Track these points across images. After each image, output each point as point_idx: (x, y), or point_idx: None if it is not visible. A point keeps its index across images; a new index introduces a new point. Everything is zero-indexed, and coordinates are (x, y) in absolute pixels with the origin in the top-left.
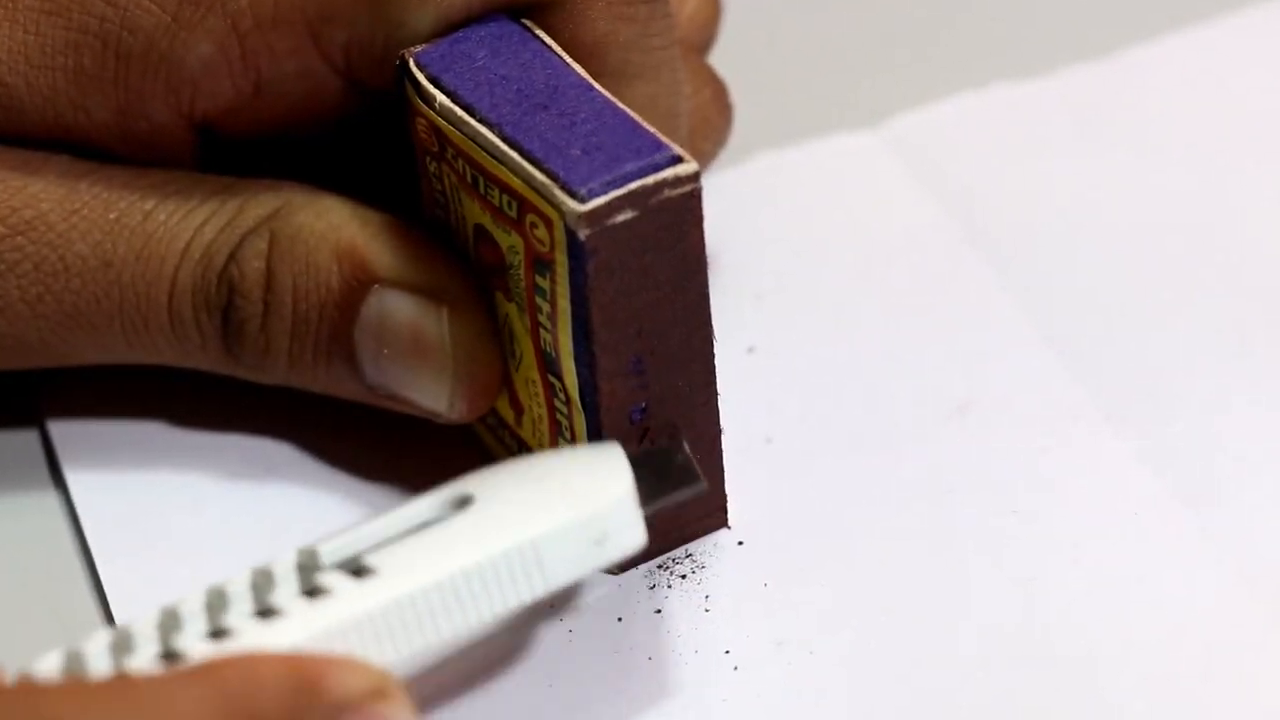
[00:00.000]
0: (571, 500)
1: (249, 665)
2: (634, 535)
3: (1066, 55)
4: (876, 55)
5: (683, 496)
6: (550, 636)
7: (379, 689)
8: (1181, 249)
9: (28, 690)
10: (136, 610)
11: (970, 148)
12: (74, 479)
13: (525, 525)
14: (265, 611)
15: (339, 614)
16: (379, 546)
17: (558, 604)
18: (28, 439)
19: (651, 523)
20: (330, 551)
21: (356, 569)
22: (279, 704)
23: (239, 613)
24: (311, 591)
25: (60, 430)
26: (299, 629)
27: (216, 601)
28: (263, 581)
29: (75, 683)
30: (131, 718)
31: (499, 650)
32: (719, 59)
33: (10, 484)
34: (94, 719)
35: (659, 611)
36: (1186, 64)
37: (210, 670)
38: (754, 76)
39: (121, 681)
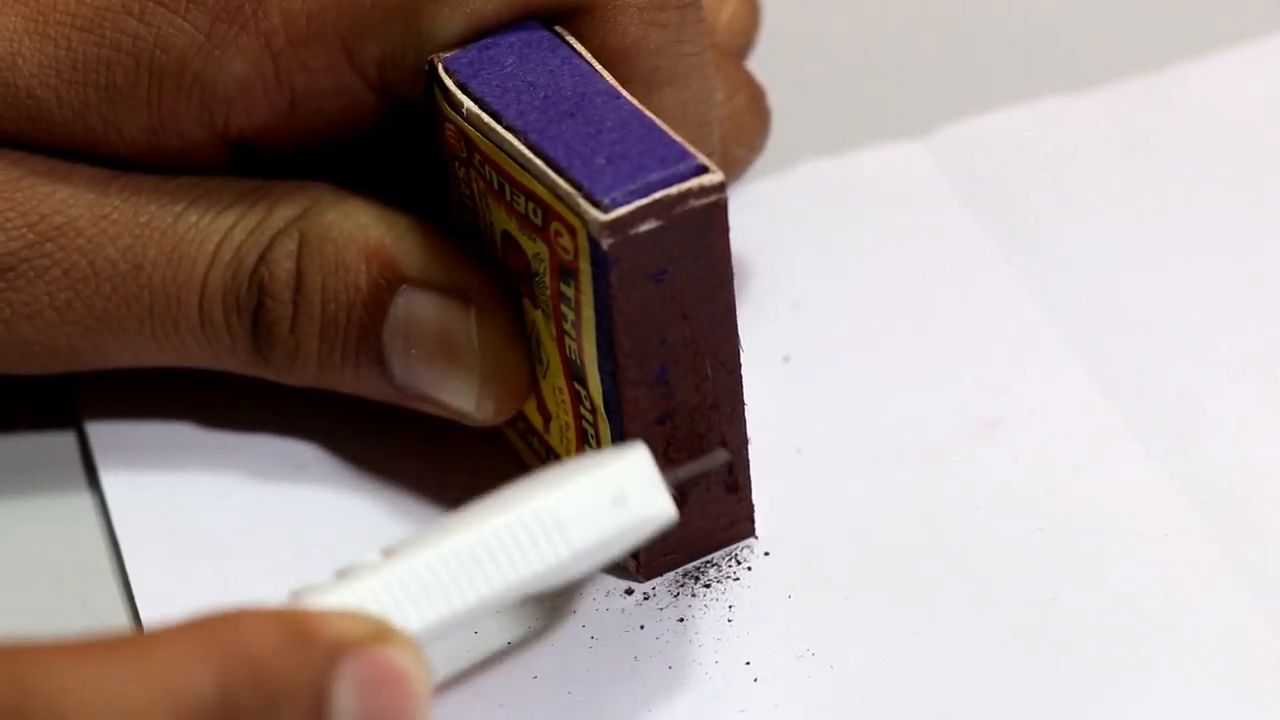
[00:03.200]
0: (587, 465)
1: (237, 617)
2: (656, 497)
3: (1116, 70)
4: (925, 64)
5: (704, 466)
6: (572, 643)
7: (377, 634)
8: (1222, 269)
9: (8, 650)
10: (163, 610)
11: (1015, 161)
12: (108, 479)
13: (540, 490)
14: (294, 595)
15: (358, 587)
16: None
17: (580, 609)
18: (65, 440)
19: (676, 495)
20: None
21: (386, 551)
22: (270, 649)
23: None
24: (341, 573)
25: (97, 431)
26: (332, 602)
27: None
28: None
29: (56, 641)
30: (117, 671)
31: (519, 656)
32: (761, 64)
33: (47, 483)
34: (79, 675)
35: (682, 620)
36: (1236, 82)
37: (197, 623)
38: (797, 83)
39: (105, 638)
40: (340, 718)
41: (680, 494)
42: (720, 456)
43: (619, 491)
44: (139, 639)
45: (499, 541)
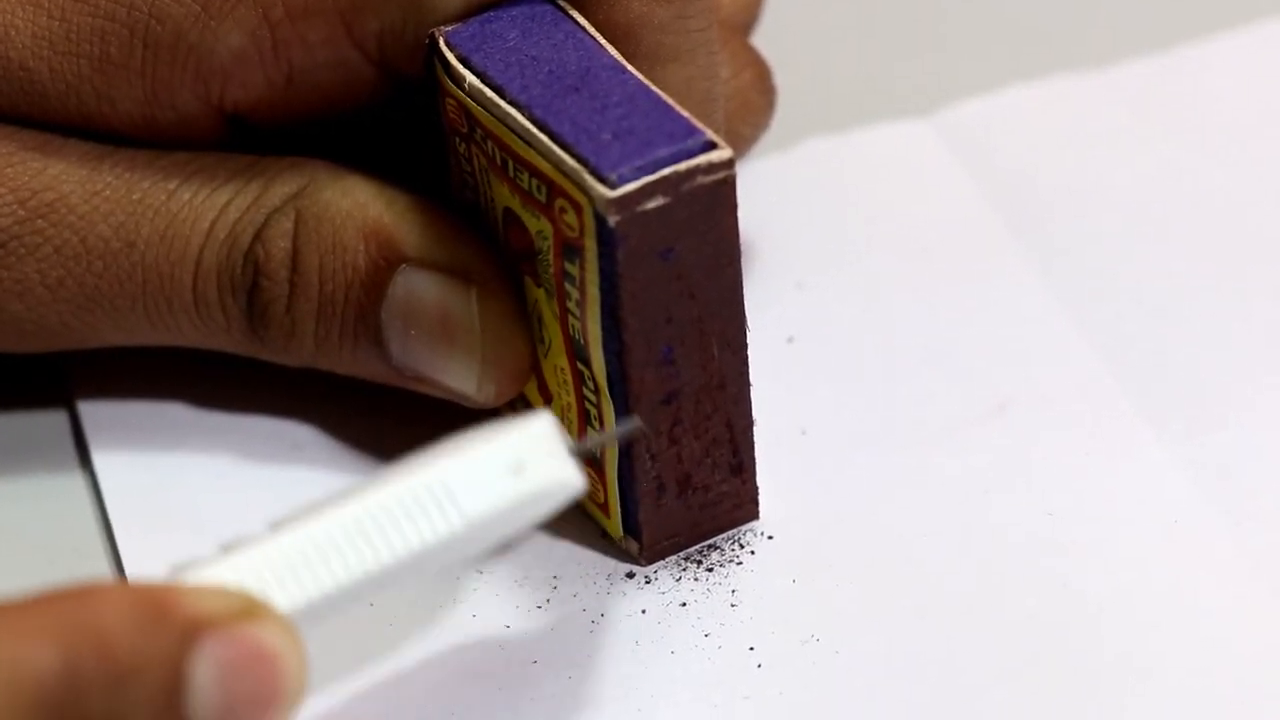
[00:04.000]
0: (485, 435)
1: (89, 592)
2: (559, 467)
3: (1125, 49)
4: (932, 42)
5: (614, 435)
6: (572, 627)
7: (244, 610)
8: (1233, 251)
9: None
10: None
11: (1023, 140)
12: (100, 458)
13: (435, 460)
14: (173, 569)
15: (237, 561)
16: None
17: (581, 592)
18: (57, 419)
19: (583, 459)
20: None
21: (273, 524)
22: (120, 625)
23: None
24: (226, 547)
25: (90, 410)
26: (206, 576)
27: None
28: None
29: None
30: None
31: (519, 639)
32: (766, 41)
33: (38, 462)
34: None
35: (684, 605)
36: (1246, 60)
37: (46, 597)
38: (803, 60)
39: None
40: (198, 698)
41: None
42: (630, 425)
43: (517, 460)
44: None
45: (387, 512)
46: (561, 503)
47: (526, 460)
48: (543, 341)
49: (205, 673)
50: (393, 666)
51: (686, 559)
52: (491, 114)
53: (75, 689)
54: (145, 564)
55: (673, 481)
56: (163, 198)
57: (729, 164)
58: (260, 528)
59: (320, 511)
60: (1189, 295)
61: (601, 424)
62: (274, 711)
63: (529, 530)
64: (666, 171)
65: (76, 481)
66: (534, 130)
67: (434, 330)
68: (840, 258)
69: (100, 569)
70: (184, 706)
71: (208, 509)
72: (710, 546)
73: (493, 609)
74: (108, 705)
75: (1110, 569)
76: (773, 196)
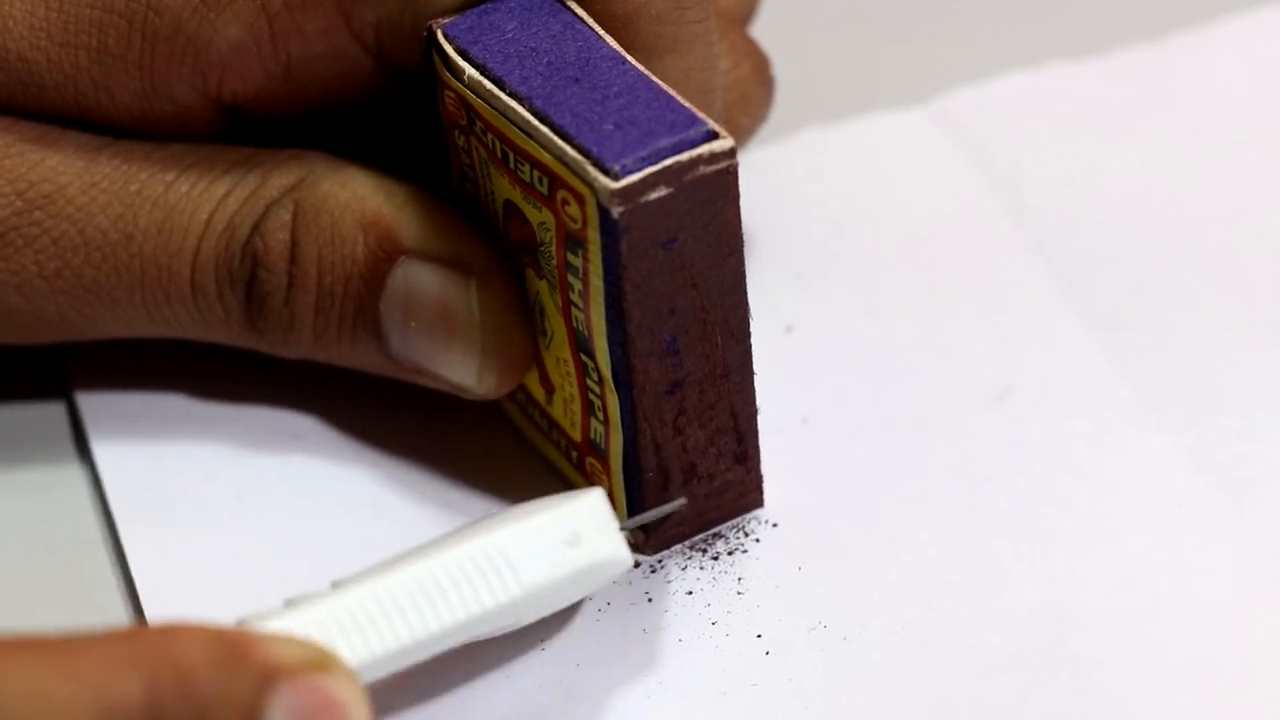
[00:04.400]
0: (543, 506)
1: (174, 629)
2: (610, 541)
3: (1123, 36)
4: (929, 30)
5: (663, 511)
6: (580, 615)
7: (316, 661)
8: (1233, 238)
9: None
10: (159, 580)
11: (1021, 129)
12: (100, 449)
13: (495, 527)
14: (241, 620)
15: (304, 615)
16: (364, 570)
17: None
18: (55, 410)
19: (634, 540)
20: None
21: (335, 583)
22: (203, 663)
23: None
24: (290, 602)
25: (87, 401)
26: (273, 629)
27: None
28: None
29: None
30: (47, 668)
31: (527, 627)
32: (765, 32)
33: (37, 453)
34: (6, 667)
35: (691, 593)
36: (1245, 48)
37: (132, 631)
38: (800, 50)
39: (37, 636)
40: None
41: (642, 536)
42: (680, 502)
43: (573, 533)
44: (72, 640)
45: (448, 576)
46: (612, 578)
47: (581, 533)
48: (545, 333)
49: (279, 716)
50: None
51: (692, 547)
52: (491, 106)
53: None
54: (149, 554)
55: (678, 471)
56: (161, 189)
57: (731, 153)
58: (324, 585)
59: (384, 571)
60: (1190, 282)
61: (606, 415)
62: None
63: (575, 602)
64: (669, 162)
65: (75, 473)
66: (535, 122)
67: (433, 322)
68: (839, 247)
69: (98, 560)
70: None
71: (208, 499)
72: (716, 535)
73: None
74: None
75: (1112, 556)
76: (771, 187)
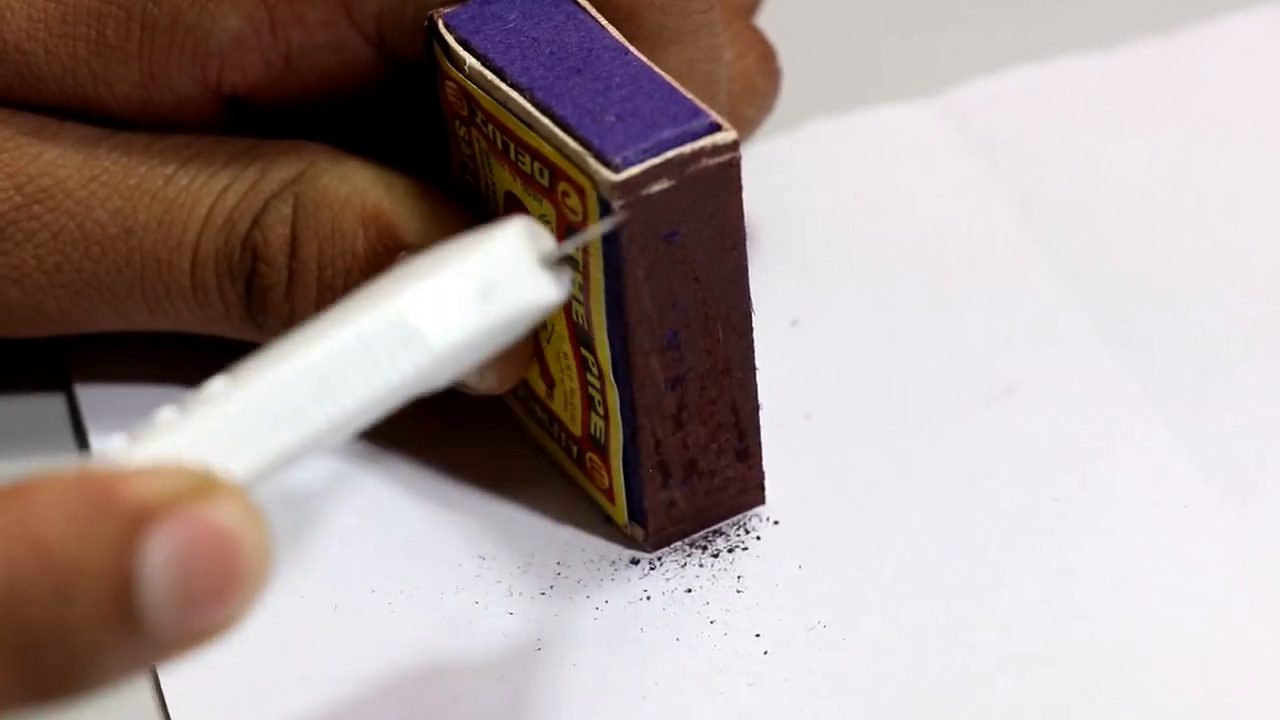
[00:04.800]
0: (447, 256)
1: (23, 490)
2: (531, 283)
3: (1133, 31)
4: (938, 22)
5: (589, 235)
6: (576, 613)
7: (193, 488)
8: (1242, 234)
9: None
10: None
11: (1031, 123)
12: (99, 443)
13: (395, 290)
14: (135, 435)
15: (192, 424)
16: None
17: (585, 579)
18: (55, 402)
19: (560, 267)
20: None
21: (227, 381)
22: (61, 524)
23: (115, 444)
24: (179, 408)
25: (87, 394)
26: (158, 447)
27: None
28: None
29: None
30: None
31: (523, 626)
32: (771, 22)
33: (36, 446)
34: None
35: (689, 591)
36: (1254, 43)
37: None
38: (807, 41)
39: None
40: (150, 595)
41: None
42: (605, 224)
43: (484, 283)
44: None
45: (347, 357)
46: (538, 319)
47: (495, 280)
48: (545, 327)
49: (156, 565)
50: (393, 653)
51: (692, 545)
52: (492, 97)
53: (14, 602)
54: None
55: (678, 467)
56: (160, 183)
57: (734, 146)
58: (213, 384)
59: (275, 362)
60: (1197, 278)
61: (606, 409)
62: (238, 597)
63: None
64: (671, 154)
65: (72, 463)
66: (536, 113)
67: None
68: (845, 241)
69: None
70: (135, 606)
71: None
72: (715, 532)
73: (495, 595)
74: (52, 615)
75: (1116, 554)
76: (777, 179)
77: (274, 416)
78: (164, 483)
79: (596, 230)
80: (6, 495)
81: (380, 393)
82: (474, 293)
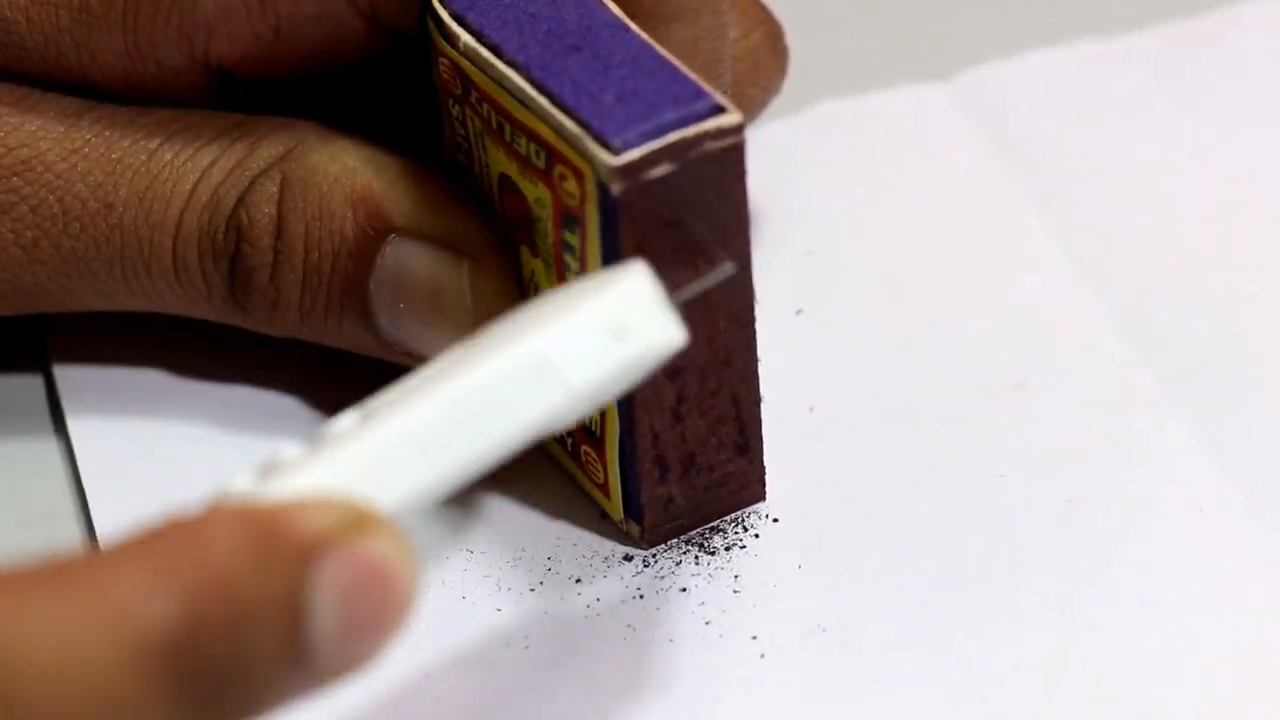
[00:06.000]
0: (579, 295)
1: (195, 527)
2: (661, 324)
3: (1148, 15)
4: (950, 3)
5: (710, 280)
6: (568, 612)
7: (353, 523)
8: (1261, 222)
9: None
10: None
11: (1045, 107)
12: (76, 425)
13: (529, 329)
14: (265, 470)
15: (334, 459)
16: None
17: (576, 575)
18: (33, 383)
19: (682, 311)
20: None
21: (363, 415)
22: (237, 560)
23: (243, 481)
24: (310, 441)
25: (65, 375)
26: (300, 482)
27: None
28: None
29: None
30: (69, 605)
31: (513, 625)
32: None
33: (12, 426)
34: (24, 612)
35: (684, 590)
36: (1271, 28)
37: (154, 539)
38: (816, 19)
39: (52, 564)
40: (319, 628)
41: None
42: (727, 269)
43: (617, 323)
44: (92, 561)
45: (487, 393)
46: (664, 359)
47: (627, 321)
48: None
49: (324, 599)
50: None
51: (688, 542)
52: (487, 75)
53: (199, 638)
54: (119, 532)
55: (676, 461)
56: (143, 157)
57: (739, 129)
58: (343, 419)
59: (414, 397)
60: (1214, 267)
61: None
62: (393, 628)
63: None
64: (673, 137)
65: (50, 447)
66: (532, 92)
67: (424, 304)
68: (853, 226)
69: (73, 535)
70: (304, 638)
71: (184, 477)
72: (714, 529)
73: (483, 591)
74: (231, 649)
75: (1132, 555)
76: (783, 161)
77: (415, 452)
78: (327, 515)
79: (716, 276)
80: (177, 530)
81: (517, 430)
82: (608, 333)
